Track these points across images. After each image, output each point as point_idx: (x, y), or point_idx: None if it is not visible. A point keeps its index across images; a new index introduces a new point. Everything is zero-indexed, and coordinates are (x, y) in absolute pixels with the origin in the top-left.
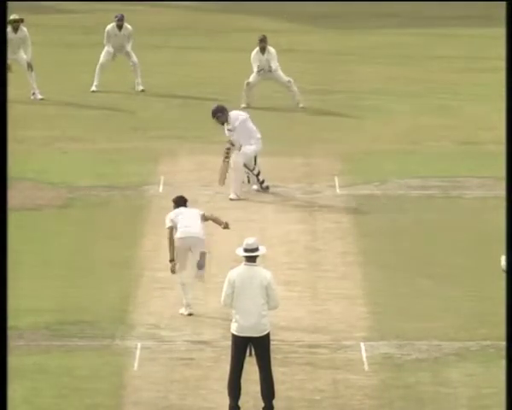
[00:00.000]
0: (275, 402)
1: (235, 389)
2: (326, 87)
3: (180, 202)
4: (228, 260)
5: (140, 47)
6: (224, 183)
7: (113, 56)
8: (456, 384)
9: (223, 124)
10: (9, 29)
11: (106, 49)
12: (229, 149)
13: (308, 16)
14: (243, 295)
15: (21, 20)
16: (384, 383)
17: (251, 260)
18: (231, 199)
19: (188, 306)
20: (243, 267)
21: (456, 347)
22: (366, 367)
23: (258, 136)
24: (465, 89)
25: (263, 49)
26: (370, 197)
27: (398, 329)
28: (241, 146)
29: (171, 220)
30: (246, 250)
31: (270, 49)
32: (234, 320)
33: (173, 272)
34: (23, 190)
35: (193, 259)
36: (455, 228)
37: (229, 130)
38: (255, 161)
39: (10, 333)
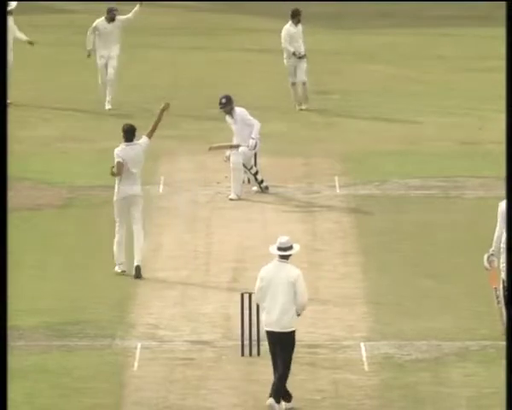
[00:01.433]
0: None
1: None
2: (326, 87)
3: (129, 133)
4: (228, 260)
5: (140, 47)
6: (213, 150)
7: (106, 64)
8: (456, 384)
9: (227, 114)
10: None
11: (97, 61)
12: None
13: (308, 16)
14: (271, 291)
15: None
16: (384, 383)
17: (283, 257)
18: (231, 199)
19: (121, 264)
20: (274, 263)
21: (456, 347)
22: (366, 367)
23: (257, 136)
24: (465, 89)
25: (298, 23)
26: (370, 197)
27: (398, 329)
28: (239, 146)
29: (118, 156)
30: (279, 249)
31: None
32: (264, 315)
33: (113, 174)
34: (23, 190)
35: (132, 217)
36: (455, 228)
37: (231, 121)
38: (255, 161)
39: (10, 333)
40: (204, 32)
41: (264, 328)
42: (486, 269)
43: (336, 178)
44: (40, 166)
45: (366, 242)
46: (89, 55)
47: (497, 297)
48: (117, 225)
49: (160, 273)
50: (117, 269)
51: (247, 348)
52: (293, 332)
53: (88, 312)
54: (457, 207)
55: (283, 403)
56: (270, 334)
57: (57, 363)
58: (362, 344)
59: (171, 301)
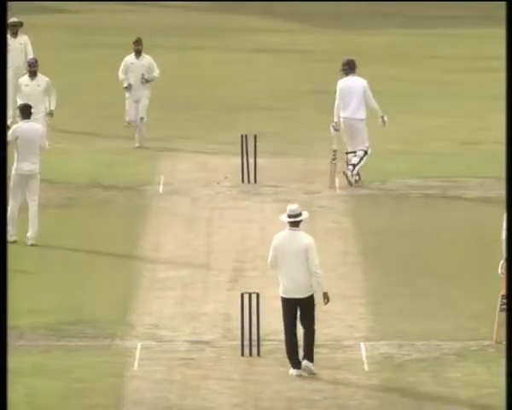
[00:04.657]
0: (276, 403)
1: (291, 348)
2: (326, 87)
3: (25, 111)
4: (228, 260)
5: None
6: (334, 186)
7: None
8: (456, 384)
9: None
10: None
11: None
12: (335, 151)
13: (308, 16)
14: (286, 259)
15: (20, 24)
16: (384, 383)
17: (294, 225)
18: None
19: (12, 235)
20: (286, 232)
21: (456, 347)
22: (366, 367)
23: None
24: (465, 89)
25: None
26: (370, 197)
27: (398, 329)
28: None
29: (13, 133)
30: (289, 216)
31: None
32: (280, 283)
33: None
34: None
35: (28, 192)
36: (455, 228)
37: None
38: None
39: (10, 333)
40: (204, 32)
41: (282, 295)
42: (502, 274)
43: (336, 178)
44: (40, 166)
45: (366, 242)
46: None
47: (502, 305)
48: (10, 198)
49: (160, 273)
50: (8, 238)
51: (247, 348)
52: (312, 295)
53: (88, 312)
54: (457, 207)
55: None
56: (288, 301)
57: (57, 363)
58: (362, 344)
59: (171, 301)
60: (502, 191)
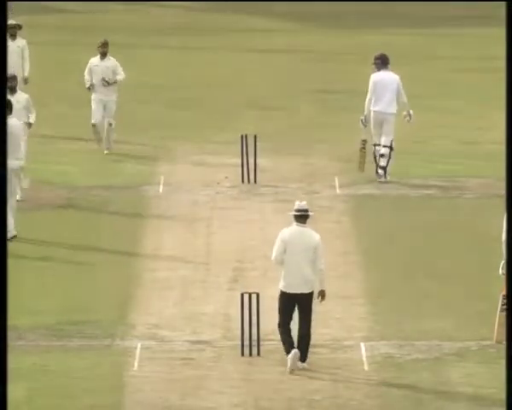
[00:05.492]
0: (276, 403)
1: (287, 338)
2: (326, 87)
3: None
4: (228, 260)
5: (140, 47)
6: (363, 170)
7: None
8: (456, 384)
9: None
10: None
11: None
12: (365, 140)
13: (308, 16)
14: (293, 254)
15: (19, 27)
16: (384, 383)
17: (301, 221)
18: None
19: (9, 231)
20: (294, 227)
21: (456, 347)
22: (366, 367)
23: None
24: (465, 89)
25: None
26: (370, 197)
27: (398, 329)
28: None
29: None
30: (298, 211)
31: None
32: (282, 277)
33: None
34: (23, 190)
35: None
36: (455, 228)
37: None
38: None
39: (10, 333)
40: (204, 32)
41: (284, 290)
42: (503, 275)
43: (336, 178)
44: (40, 167)
45: (366, 241)
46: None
47: (503, 305)
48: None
49: (160, 273)
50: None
51: (247, 348)
52: (312, 292)
53: (88, 312)
54: (457, 207)
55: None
56: (289, 296)
57: (57, 363)
58: (362, 344)
59: (171, 301)
60: (502, 191)
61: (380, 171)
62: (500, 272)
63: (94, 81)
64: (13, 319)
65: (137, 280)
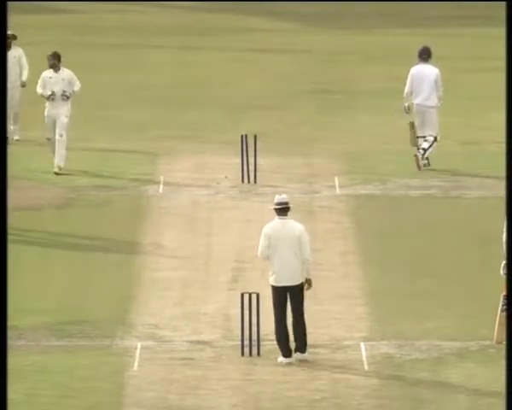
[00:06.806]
0: (276, 403)
1: (282, 336)
2: (326, 87)
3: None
4: (228, 260)
5: (140, 47)
6: (416, 144)
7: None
8: (456, 384)
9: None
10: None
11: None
12: (412, 122)
13: (308, 16)
14: (279, 247)
15: (14, 37)
16: (384, 383)
17: (283, 214)
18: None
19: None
20: (276, 221)
21: (456, 347)
22: (366, 367)
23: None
24: (465, 89)
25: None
26: (370, 197)
27: (398, 329)
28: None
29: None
30: (278, 204)
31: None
32: (271, 272)
33: None
34: (23, 190)
35: None
36: (455, 228)
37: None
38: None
39: (10, 333)
40: (204, 32)
41: (274, 284)
42: (504, 275)
43: (336, 178)
44: (40, 166)
45: (366, 242)
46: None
47: (504, 305)
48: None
49: (160, 273)
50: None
51: (247, 348)
52: (302, 283)
53: (88, 312)
54: (457, 207)
55: (295, 355)
56: (280, 289)
57: (57, 363)
58: (362, 344)
59: (171, 301)
60: (502, 191)
61: (420, 151)
62: (501, 272)
63: (54, 90)
64: (13, 319)
65: (137, 280)
